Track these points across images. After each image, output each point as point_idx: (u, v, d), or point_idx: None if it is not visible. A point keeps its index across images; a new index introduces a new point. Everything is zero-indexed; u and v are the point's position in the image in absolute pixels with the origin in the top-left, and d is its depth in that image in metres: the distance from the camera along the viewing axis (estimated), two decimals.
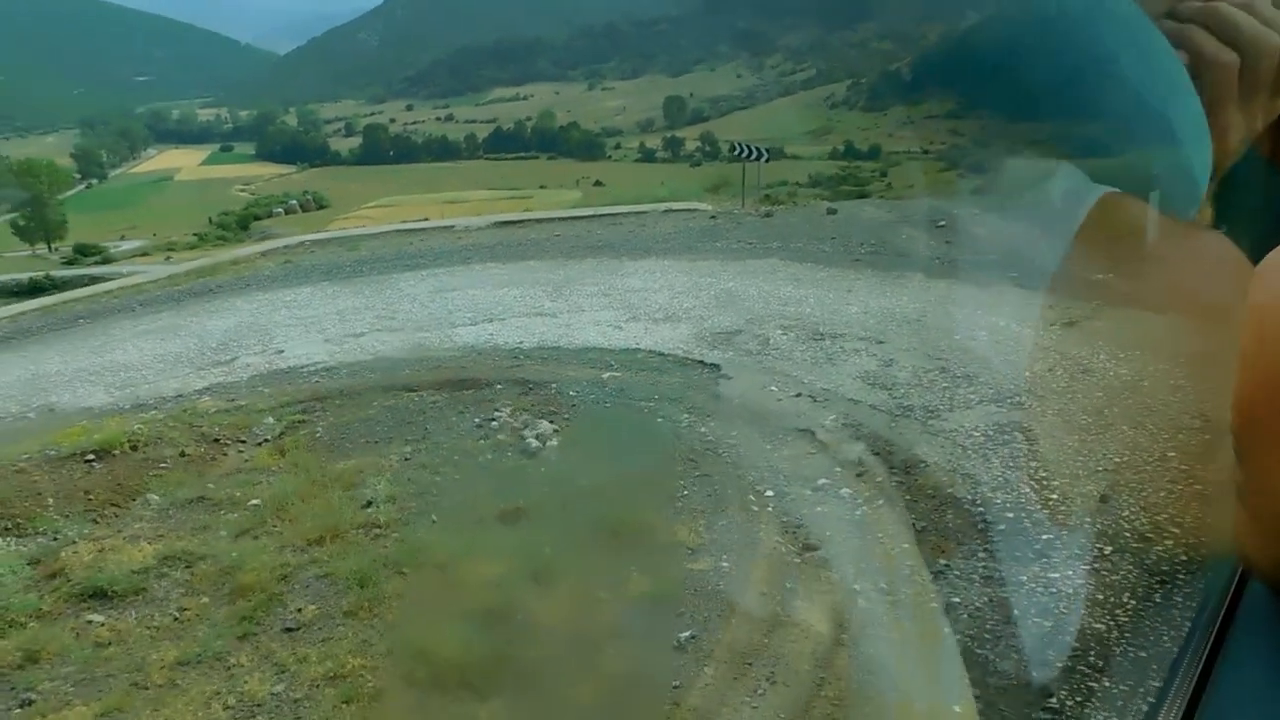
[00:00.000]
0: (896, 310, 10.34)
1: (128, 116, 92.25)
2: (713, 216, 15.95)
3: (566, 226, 16.50)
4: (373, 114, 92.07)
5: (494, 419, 8.10)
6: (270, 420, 9.18)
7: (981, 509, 5.61)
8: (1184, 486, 5.28)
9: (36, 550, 6.17)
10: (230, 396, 10.23)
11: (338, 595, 5.14)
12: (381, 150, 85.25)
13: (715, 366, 9.51)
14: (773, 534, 5.58)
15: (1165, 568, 4.63)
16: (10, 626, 5.26)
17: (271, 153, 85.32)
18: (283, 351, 11.82)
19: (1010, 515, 5.51)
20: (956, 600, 4.68)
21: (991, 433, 6.78)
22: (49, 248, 56.62)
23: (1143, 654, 4.08)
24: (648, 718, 4.24)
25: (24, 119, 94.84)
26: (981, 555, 5.10)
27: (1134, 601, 4.50)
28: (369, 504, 6.25)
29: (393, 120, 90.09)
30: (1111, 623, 4.30)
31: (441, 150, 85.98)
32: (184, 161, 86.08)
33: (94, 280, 19.48)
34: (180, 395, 10.48)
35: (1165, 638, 4.08)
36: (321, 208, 69.80)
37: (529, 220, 17.39)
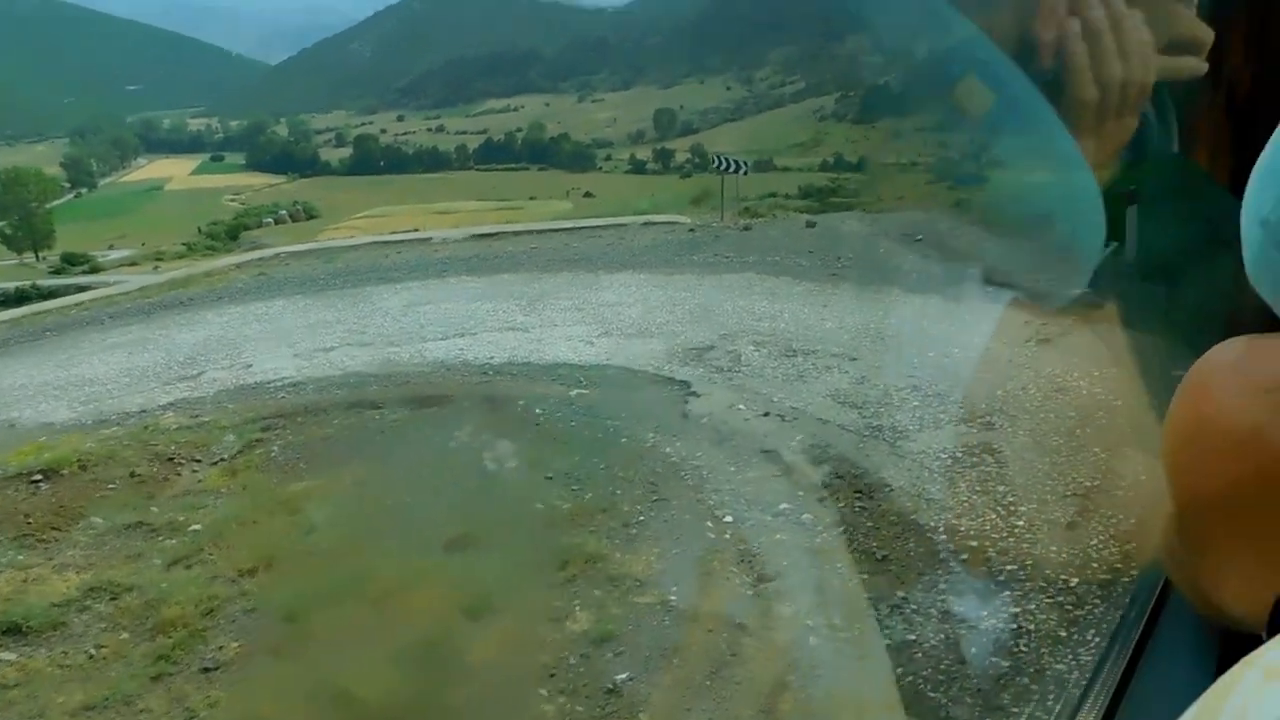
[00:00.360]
0: (871, 326, 10.16)
1: (118, 125, 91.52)
2: (691, 229, 15.78)
3: (544, 239, 16.31)
4: (364, 124, 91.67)
5: (453, 440, 7.87)
6: (231, 438, 8.95)
7: (944, 537, 5.41)
8: (1156, 513, 5.08)
9: None
10: (194, 412, 10.02)
11: (263, 631, 4.91)
12: (372, 160, 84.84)
13: (685, 383, 9.32)
14: (728, 564, 5.37)
15: None
16: None
17: (262, 163, 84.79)
18: (251, 366, 11.60)
19: (973, 544, 5.31)
20: (911, 638, 4.47)
21: (960, 455, 6.59)
22: (36, 256, 56.07)
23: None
24: None
25: (13, 127, 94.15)
26: (941, 588, 4.90)
27: (1099, 639, 4.29)
28: (311, 530, 6.02)
29: (384, 131, 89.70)
30: (1074, 663, 4.09)
31: (432, 161, 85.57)
32: (174, 171, 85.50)
33: (81, 289, 19.22)
34: (144, 410, 10.27)
35: None
36: (311, 218, 69.28)
37: (506, 233, 17.20)
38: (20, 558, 6.04)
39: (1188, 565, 0.71)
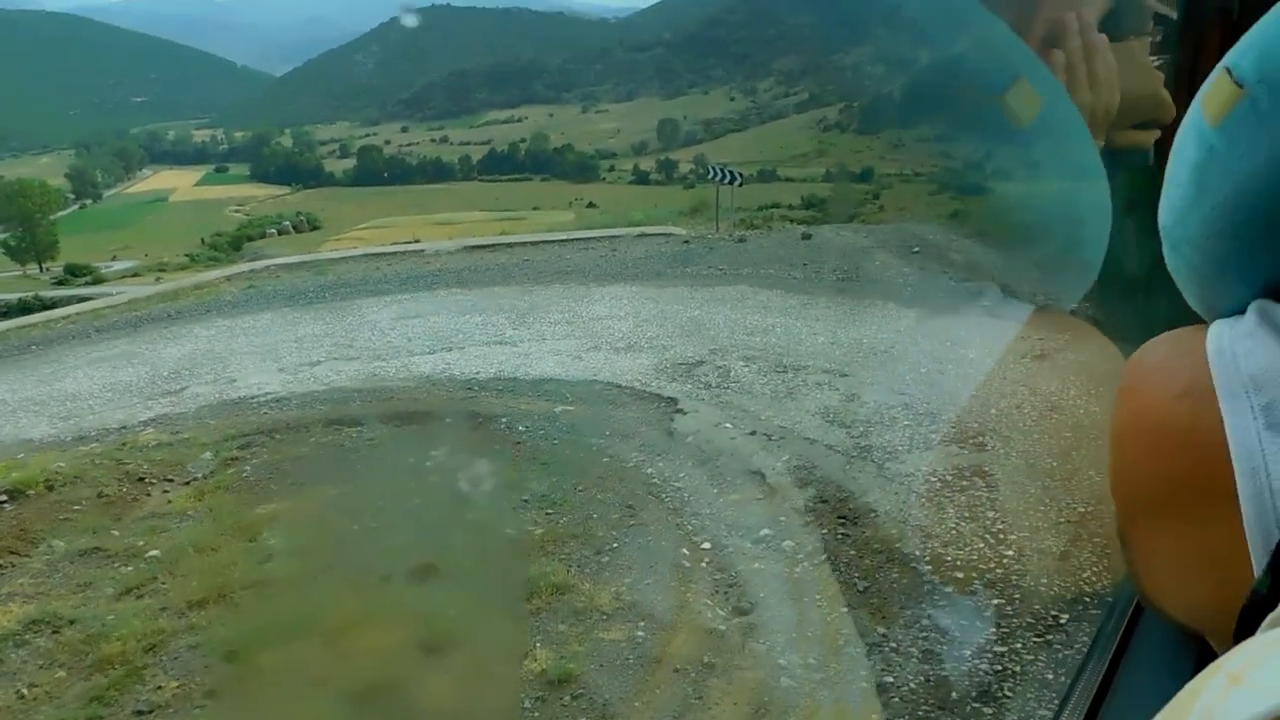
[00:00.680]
0: (864, 341, 9.91)
1: (123, 137, 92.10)
2: (686, 241, 15.57)
3: (537, 251, 16.11)
4: (368, 135, 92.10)
5: (429, 460, 7.64)
6: (208, 455, 8.74)
7: (929, 567, 5.15)
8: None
9: None
10: (174, 429, 9.83)
11: (205, 670, 4.67)
12: (376, 172, 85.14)
13: (672, 400, 9.08)
14: (702, 595, 5.11)
15: None
16: None
17: (266, 174, 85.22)
18: (235, 381, 11.42)
19: (959, 575, 5.04)
20: (890, 680, 4.21)
21: (950, 478, 6.33)
22: (40, 268, 56.20)
23: None
24: None
25: (19, 140, 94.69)
26: (924, 624, 4.63)
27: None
28: (270, 558, 5.78)
29: (388, 142, 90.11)
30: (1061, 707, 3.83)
31: (436, 172, 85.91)
32: (178, 182, 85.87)
33: (83, 300, 19.07)
34: (124, 427, 10.09)
35: None
36: (315, 229, 69.52)
37: (500, 244, 17.00)
38: None
39: (1131, 570, 0.70)
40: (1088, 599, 4.59)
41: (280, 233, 65.79)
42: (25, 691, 4.57)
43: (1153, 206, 0.66)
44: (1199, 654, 0.76)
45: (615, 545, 5.81)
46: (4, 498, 7.64)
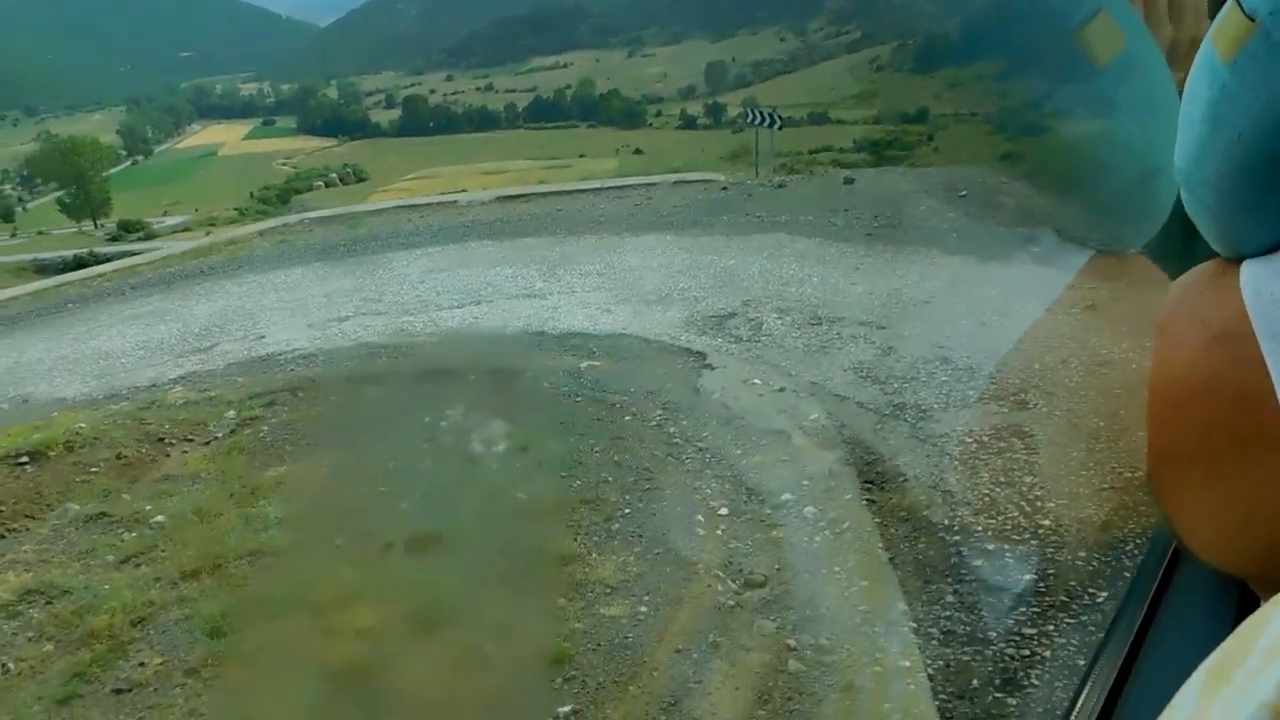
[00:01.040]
0: (904, 291, 9.44)
1: (171, 93, 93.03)
2: (724, 188, 15.05)
3: (571, 200, 15.73)
4: (412, 85, 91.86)
5: (445, 419, 7.42)
6: (231, 415, 8.67)
7: (958, 538, 4.79)
8: None
9: None
10: (202, 387, 9.79)
11: (190, 646, 4.52)
12: (422, 122, 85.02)
13: (701, 354, 8.75)
14: (713, 567, 4.82)
15: None
16: None
17: (313, 126, 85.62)
18: (264, 337, 11.34)
19: (990, 548, 4.68)
20: (905, 664, 3.90)
21: (986, 439, 5.94)
22: (94, 224, 57.24)
23: None
24: None
25: (72, 98, 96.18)
26: (949, 599, 4.30)
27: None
28: (272, 525, 5.61)
29: (432, 91, 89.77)
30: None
31: (481, 121, 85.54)
32: (227, 136, 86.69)
33: (134, 255, 19.21)
34: (154, 385, 10.10)
35: None
36: (361, 180, 69.87)
37: (533, 194, 16.63)
38: None
39: (1167, 516, 0.66)
40: (1128, 576, 4.22)
41: (327, 185, 66.17)
42: (11, 666, 4.49)
43: None
44: (1241, 595, 0.78)
45: (628, 511, 5.54)
46: (25, 459, 7.62)
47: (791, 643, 4.13)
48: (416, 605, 4.66)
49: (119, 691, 4.26)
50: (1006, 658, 3.90)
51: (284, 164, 76.03)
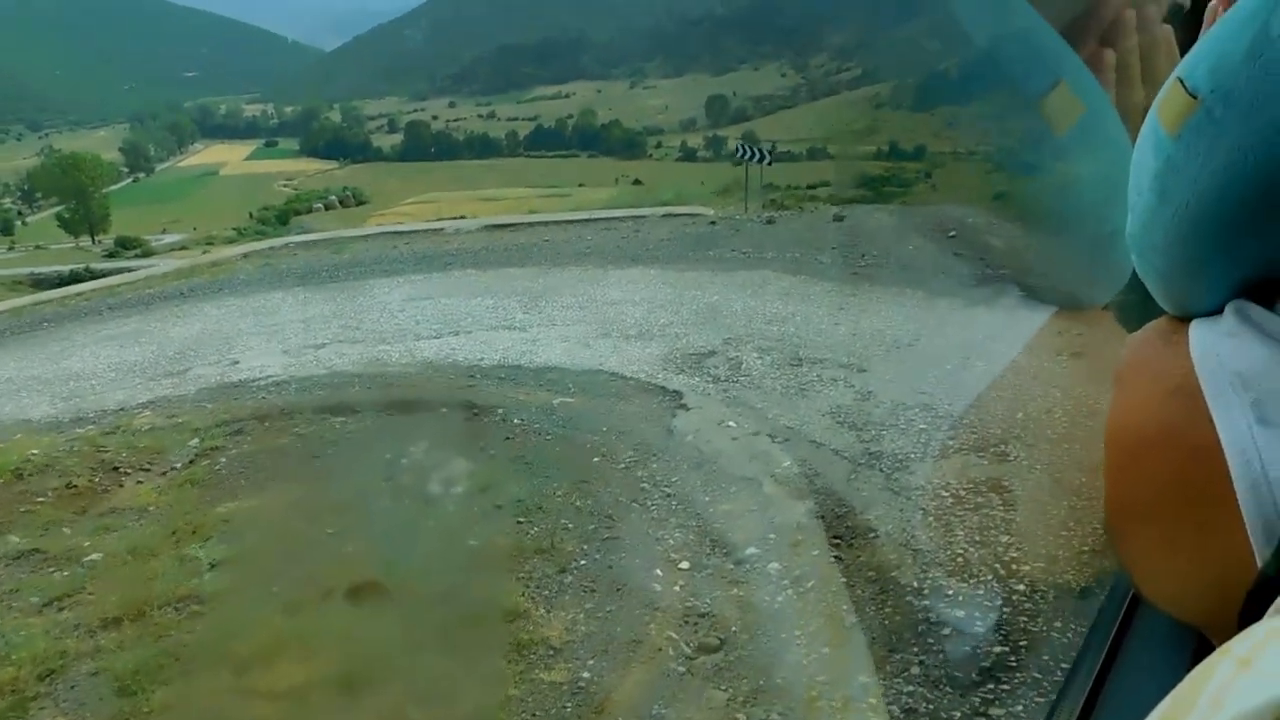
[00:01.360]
0: (888, 333, 9.22)
1: (175, 111, 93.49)
2: (712, 222, 14.88)
3: (559, 231, 15.55)
4: (415, 110, 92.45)
5: (407, 456, 7.17)
6: (194, 443, 8.43)
7: (927, 603, 4.53)
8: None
9: None
10: (171, 412, 9.56)
11: (98, 704, 4.23)
12: (423, 147, 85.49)
13: (677, 394, 8.51)
14: (667, 627, 4.55)
15: None
16: None
17: (315, 148, 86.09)
18: (238, 363, 11.12)
19: (960, 615, 4.42)
20: None
21: (963, 493, 5.68)
22: (92, 239, 57.21)
23: None
24: None
25: (77, 113, 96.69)
26: (914, 672, 4.03)
27: None
28: (210, 569, 5.33)
29: (435, 117, 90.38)
30: None
31: (483, 147, 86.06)
32: (229, 156, 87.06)
33: (130, 273, 18.98)
34: (122, 408, 9.86)
35: None
36: (361, 203, 70.12)
37: (520, 224, 16.46)
38: None
39: (1125, 565, 0.68)
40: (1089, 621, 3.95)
41: (327, 207, 66.28)
42: None
43: None
44: (1197, 642, 0.79)
45: (583, 563, 5.26)
46: None
47: (741, 718, 3.85)
48: (344, 663, 4.37)
49: None
50: None
51: (285, 185, 76.27)
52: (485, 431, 8.07)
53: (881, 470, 6.27)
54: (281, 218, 61.47)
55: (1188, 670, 0.42)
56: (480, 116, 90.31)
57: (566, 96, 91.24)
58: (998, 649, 4.14)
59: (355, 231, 19.41)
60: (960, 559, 4.88)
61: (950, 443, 6.54)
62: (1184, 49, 1.08)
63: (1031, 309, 8.51)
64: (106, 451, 8.28)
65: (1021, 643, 4.15)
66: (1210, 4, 0.71)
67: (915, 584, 4.71)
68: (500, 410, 8.59)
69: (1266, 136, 0.51)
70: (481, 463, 7.12)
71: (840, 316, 9.93)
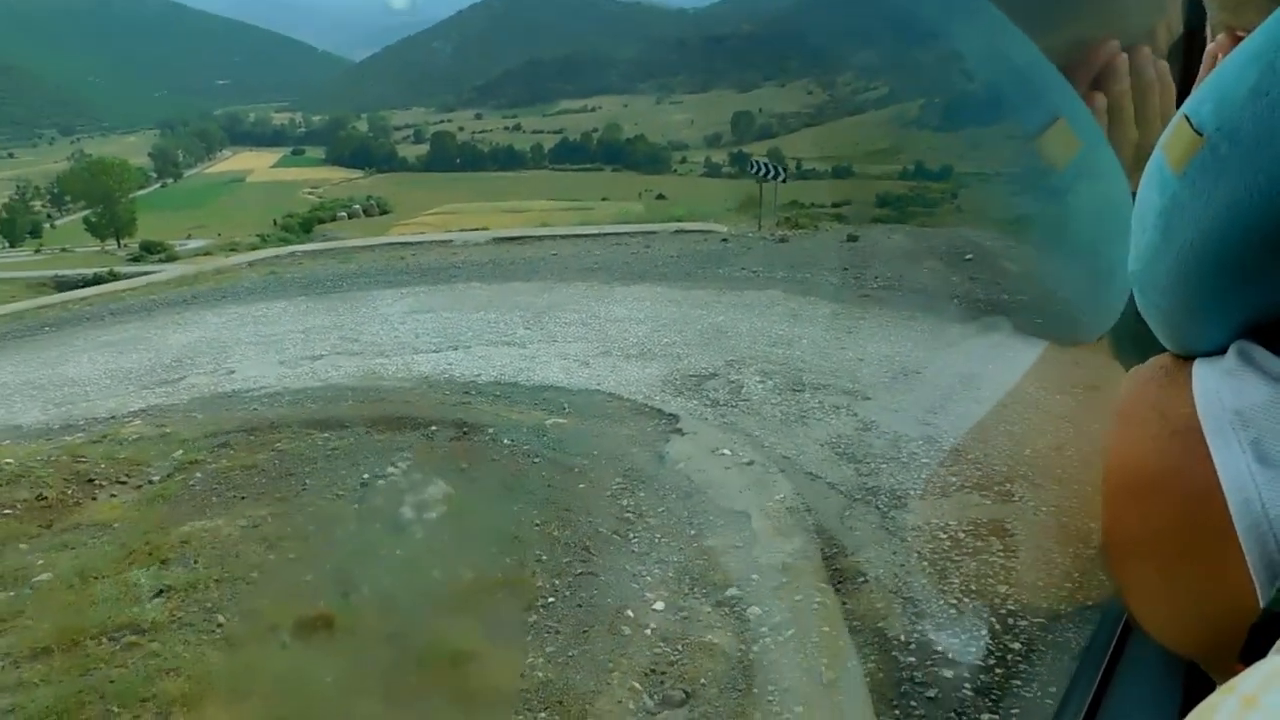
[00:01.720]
0: (896, 359, 8.87)
1: (205, 118, 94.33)
2: (724, 239, 14.61)
3: (567, 245, 15.32)
4: (442, 122, 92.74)
5: (385, 477, 6.89)
6: (179, 454, 8.23)
7: (913, 659, 4.17)
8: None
9: None
10: (160, 421, 9.39)
11: None
12: (448, 158, 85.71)
13: (673, 417, 8.22)
14: (631, 675, 4.21)
15: None
16: None
17: (341, 157, 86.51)
18: (233, 372, 10.97)
19: (948, 675, 4.07)
20: None
21: (962, 535, 5.31)
22: (118, 243, 57.63)
23: None
24: None
25: (109, 119, 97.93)
26: None
27: None
28: (156, 595, 5.05)
29: (461, 129, 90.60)
30: None
31: (508, 159, 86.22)
32: (256, 164, 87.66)
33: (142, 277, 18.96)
34: (113, 416, 9.74)
35: None
36: (384, 213, 70.27)
37: (529, 237, 16.25)
38: None
39: (1124, 599, 0.68)
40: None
41: (350, 216, 66.41)
42: None
43: None
44: (1188, 671, 0.82)
45: (551, 600, 4.95)
46: None
47: None
48: (274, 709, 4.07)
49: None
50: None
51: (310, 193, 76.53)
52: (472, 452, 7.80)
53: (878, 508, 5.92)
54: (305, 225, 61.60)
55: (1179, 697, 0.51)
56: (506, 129, 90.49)
57: (592, 110, 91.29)
58: (985, 716, 3.78)
59: (362, 241, 19.28)
60: (954, 610, 4.52)
61: (952, 479, 6.16)
62: (1179, 86, 1.16)
63: (1046, 337, 8.14)
64: (84, 462, 8.07)
65: (1014, 710, 3.79)
66: (1209, 48, 0.73)
67: (903, 637, 4.36)
68: (491, 430, 8.32)
69: (1271, 172, 0.51)
70: (462, 486, 6.83)
71: (847, 341, 9.59)
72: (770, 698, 4.03)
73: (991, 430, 7.00)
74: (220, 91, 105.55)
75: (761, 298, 11.36)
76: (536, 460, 7.53)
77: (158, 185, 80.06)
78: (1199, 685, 0.42)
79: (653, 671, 4.29)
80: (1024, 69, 1.08)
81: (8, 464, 7.78)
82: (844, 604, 4.73)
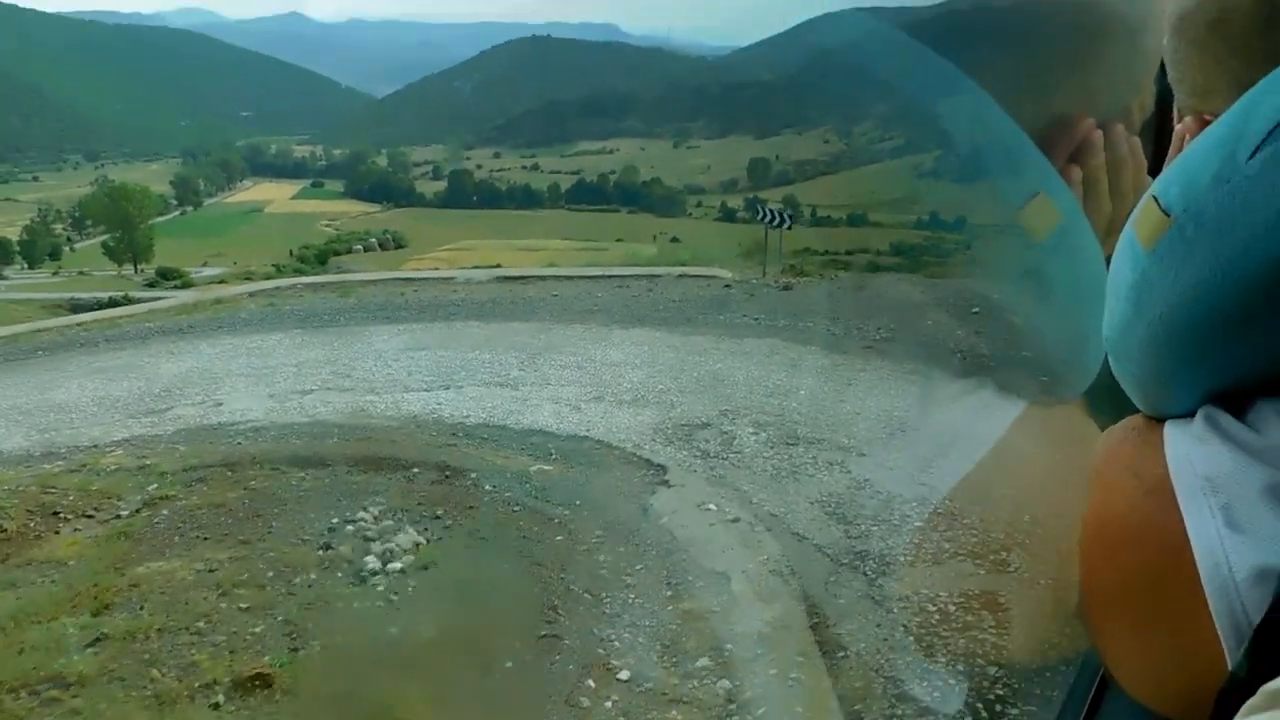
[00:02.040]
0: (894, 413, 8.58)
1: (228, 148, 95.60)
2: (728, 285, 14.37)
3: (570, 286, 15.12)
4: (461, 159, 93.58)
5: (355, 521, 6.62)
6: (153, 487, 8.02)
7: None
8: None
9: None
10: (141, 452, 9.20)
11: None
12: (466, 194, 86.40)
13: (661, 468, 7.94)
14: None
15: None
16: None
17: (360, 191, 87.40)
18: (221, 404, 10.77)
19: None
20: None
21: (953, 608, 4.97)
22: (135, 269, 58.08)
23: None
24: None
25: (133, 146, 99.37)
26: None
27: None
28: (89, 645, 4.78)
29: (479, 166, 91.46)
30: None
31: (525, 198, 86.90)
32: (276, 194, 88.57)
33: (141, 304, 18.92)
34: (95, 445, 9.56)
35: None
36: (400, 247, 70.71)
37: (532, 277, 16.07)
38: None
39: (1100, 653, 0.71)
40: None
41: (366, 249, 66.78)
42: None
43: None
44: None
45: (509, 665, 4.64)
46: None
47: None
48: None
49: None
50: None
51: (327, 225, 77.11)
52: (450, 498, 7.53)
53: (865, 574, 5.60)
54: (321, 257, 61.96)
55: None
56: (524, 168, 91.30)
57: (610, 152, 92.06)
58: None
59: (363, 275, 19.16)
60: (938, 695, 4.20)
61: (945, 545, 5.85)
62: (1150, 160, 1.21)
63: (1053, 393, 7.86)
64: (53, 493, 7.85)
65: None
66: (1177, 129, 0.78)
67: None
68: (473, 474, 8.07)
69: (1233, 258, 0.54)
70: (434, 535, 6.56)
71: (846, 393, 9.29)
72: None
73: (991, 492, 6.68)
74: (244, 123, 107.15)
75: (762, 345, 11.09)
76: (516, 509, 7.26)
77: (178, 212, 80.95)
78: None
79: None
80: (1004, 142, 1.12)
81: None
82: (820, 683, 4.40)
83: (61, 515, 7.44)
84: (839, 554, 5.90)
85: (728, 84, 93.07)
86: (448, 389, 10.75)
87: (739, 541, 6.26)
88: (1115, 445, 0.65)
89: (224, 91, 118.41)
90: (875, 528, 6.27)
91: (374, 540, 6.23)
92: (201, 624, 5.01)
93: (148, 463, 8.81)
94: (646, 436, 8.70)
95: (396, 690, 4.36)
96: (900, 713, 4.11)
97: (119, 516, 7.42)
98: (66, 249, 69.10)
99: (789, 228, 16.47)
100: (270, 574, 5.69)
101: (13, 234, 65.28)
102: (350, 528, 6.51)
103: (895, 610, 5.08)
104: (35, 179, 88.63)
